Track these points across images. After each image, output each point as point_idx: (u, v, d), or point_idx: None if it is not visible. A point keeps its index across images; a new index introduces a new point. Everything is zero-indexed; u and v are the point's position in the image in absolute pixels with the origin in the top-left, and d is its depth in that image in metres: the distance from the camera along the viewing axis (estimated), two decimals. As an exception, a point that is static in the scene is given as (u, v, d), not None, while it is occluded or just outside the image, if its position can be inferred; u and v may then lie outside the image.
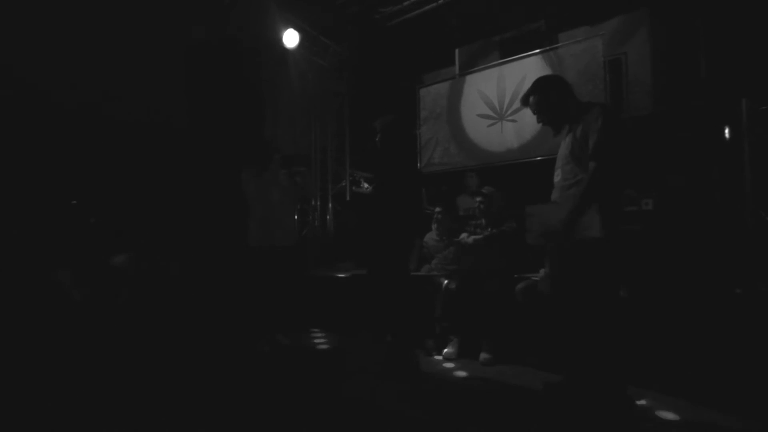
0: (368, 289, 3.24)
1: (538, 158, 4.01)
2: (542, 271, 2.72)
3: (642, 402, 1.96)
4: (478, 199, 3.07)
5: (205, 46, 4.30)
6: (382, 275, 2.43)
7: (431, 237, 3.46)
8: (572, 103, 1.95)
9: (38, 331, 2.22)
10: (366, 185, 5.26)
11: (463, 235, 3.08)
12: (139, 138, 3.92)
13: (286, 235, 3.05)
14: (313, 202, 5.03)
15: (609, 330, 1.86)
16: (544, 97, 1.98)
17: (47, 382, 2.13)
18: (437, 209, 3.49)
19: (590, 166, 1.77)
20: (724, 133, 3.15)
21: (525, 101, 2.07)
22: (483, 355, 2.64)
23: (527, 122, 4.10)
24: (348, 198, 5.13)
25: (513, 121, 4.31)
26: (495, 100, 4.44)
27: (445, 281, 2.96)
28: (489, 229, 2.98)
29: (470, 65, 4.76)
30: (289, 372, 2.59)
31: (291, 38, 4.30)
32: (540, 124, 2.09)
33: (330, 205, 5.12)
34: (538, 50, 4.16)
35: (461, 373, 2.48)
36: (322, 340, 3.31)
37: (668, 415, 1.84)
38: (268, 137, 3.24)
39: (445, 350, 2.78)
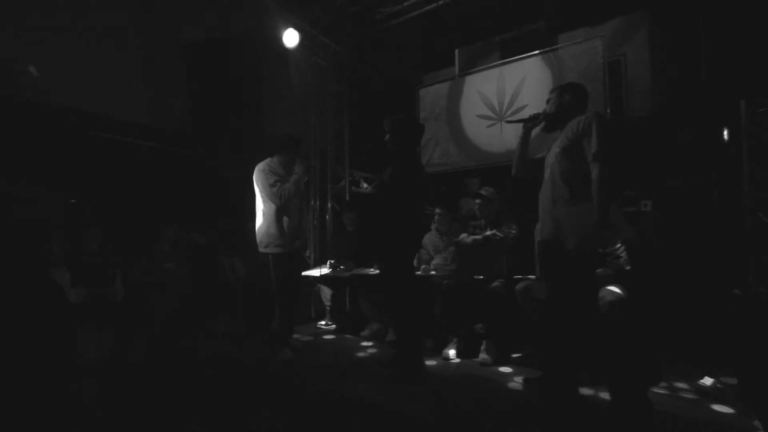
0: (378, 289, 3.21)
1: (538, 157, 4.00)
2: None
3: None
4: (477, 200, 3.08)
5: (205, 46, 4.30)
6: (389, 275, 2.42)
7: (431, 237, 3.46)
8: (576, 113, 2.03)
9: (35, 333, 2.20)
10: (365, 185, 5.24)
11: (463, 236, 3.09)
12: (139, 138, 3.91)
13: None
14: (312, 202, 5.02)
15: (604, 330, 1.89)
16: (559, 94, 2.12)
17: (44, 388, 2.12)
18: (437, 210, 3.49)
19: (593, 169, 1.82)
20: (722, 134, 3.16)
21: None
22: (482, 356, 2.64)
23: (527, 123, 4.10)
24: (347, 198, 5.11)
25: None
26: (495, 101, 4.44)
27: (445, 281, 2.96)
28: (488, 230, 2.98)
29: (470, 66, 4.76)
30: (291, 372, 2.58)
31: (291, 38, 4.29)
32: (540, 124, 2.24)
33: (329, 205, 5.11)
34: (538, 51, 4.16)
35: (460, 374, 2.48)
36: (326, 339, 3.31)
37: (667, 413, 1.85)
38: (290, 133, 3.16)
39: (445, 351, 2.78)
